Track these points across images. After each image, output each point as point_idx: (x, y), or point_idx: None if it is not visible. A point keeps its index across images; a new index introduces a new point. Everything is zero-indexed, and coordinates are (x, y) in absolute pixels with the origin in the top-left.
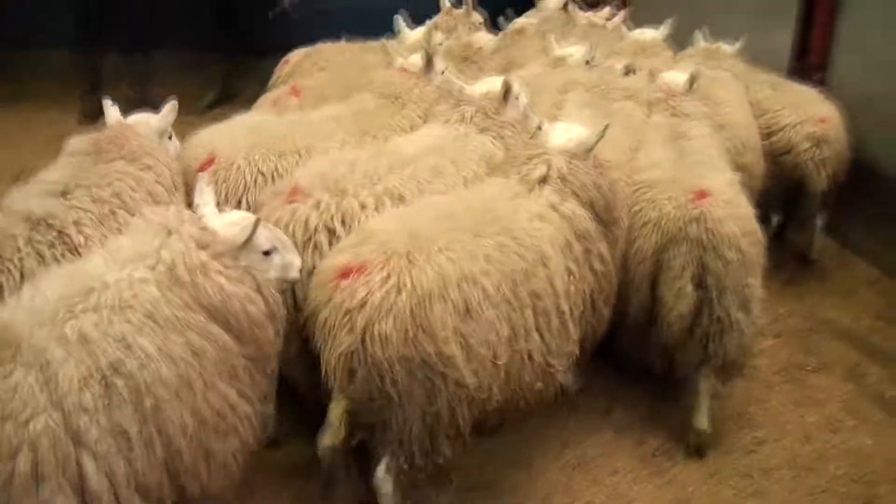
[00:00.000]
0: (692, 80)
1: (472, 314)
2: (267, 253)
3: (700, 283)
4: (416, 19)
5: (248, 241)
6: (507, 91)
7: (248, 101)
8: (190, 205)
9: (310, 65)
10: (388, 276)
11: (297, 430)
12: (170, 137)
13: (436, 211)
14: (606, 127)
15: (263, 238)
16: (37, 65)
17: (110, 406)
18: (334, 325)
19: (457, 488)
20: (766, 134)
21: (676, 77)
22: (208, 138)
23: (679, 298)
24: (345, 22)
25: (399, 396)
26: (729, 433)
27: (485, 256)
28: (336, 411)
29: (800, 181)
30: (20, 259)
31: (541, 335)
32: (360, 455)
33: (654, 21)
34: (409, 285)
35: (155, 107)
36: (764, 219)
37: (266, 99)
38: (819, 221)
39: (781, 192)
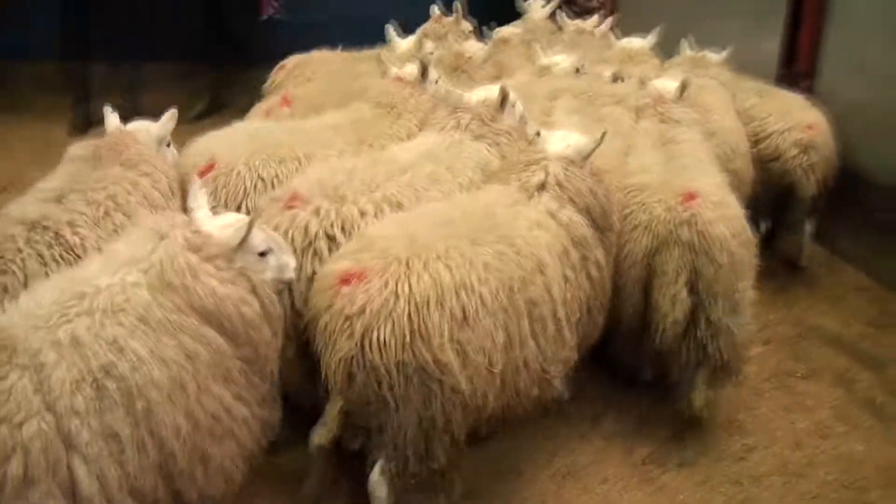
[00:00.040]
0: (683, 87)
1: (468, 322)
2: (262, 254)
3: (693, 289)
4: (406, 27)
5: (243, 242)
6: (503, 99)
7: (237, 112)
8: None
9: (303, 73)
10: (387, 283)
11: (296, 435)
12: (168, 145)
13: (435, 218)
14: (604, 134)
15: (258, 239)
16: (26, 75)
17: (102, 409)
18: (335, 331)
19: (448, 496)
20: (754, 141)
21: (667, 84)
22: (208, 145)
23: (675, 304)
24: (333, 31)
25: (395, 401)
26: (719, 440)
27: (483, 265)
28: (332, 411)
29: (788, 187)
30: (22, 259)
31: (537, 342)
32: (357, 460)
33: (642, 28)
34: (407, 292)
35: (145, 116)
36: (753, 226)
37: (258, 109)
38: (808, 228)
39: (770, 199)
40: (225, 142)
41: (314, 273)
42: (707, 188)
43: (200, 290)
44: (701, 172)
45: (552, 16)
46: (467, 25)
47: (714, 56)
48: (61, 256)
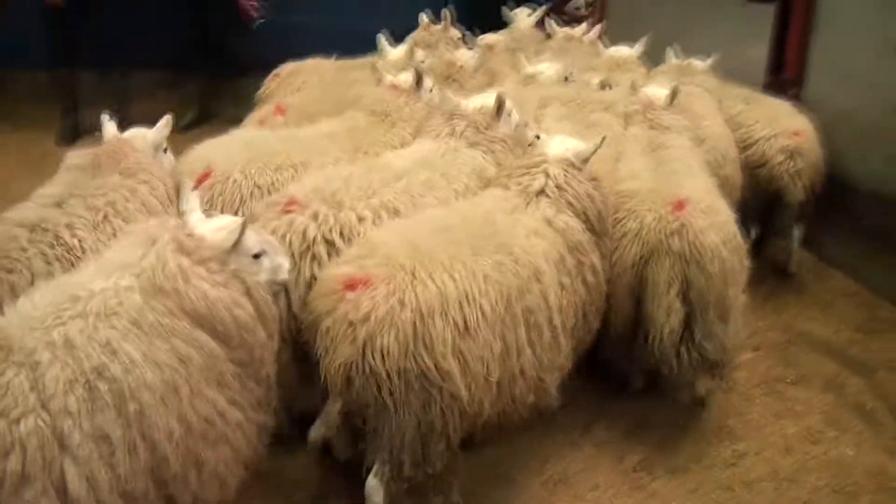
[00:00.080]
0: (673, 94)
1: (470, 332)
2: (257, 256)
3: (685, 297)
4: (395, 35)
5: (237, 244)
6: (499, 106)
7: (226, 120)
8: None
9: (295, 81)
10: (393, 292)
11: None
12: (164, 151)
13: (437, 225)
14: (604, 139)
15: (252, 241)
16: (13, 85)
17: (93, 410)
18: (337, 336)
19: (446, 498)
20: (741, 148)
21: (657, 91)
22: (204, 153)
23: (669, 314)
24: (322, 40)
25: (394, 405)
26: (709, 446)
27: (484, 276)
28: (332, 411)
29: (776, 193)
30: (28, 259)
31: (533, 350)
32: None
33: (631, 36)
34: (414, 302)
35: (134, 125)
36: (743, 231)
37: (252, 118)
38: (797, 233)
39: (758, 205)
40: (221, 150)
41: (313, 277)
42: (696, 195)
43: (192, 293)
44: (690, 177)
45: (541, 24)
46: (456, 33)
47: (699, 63)
48: (63, 257)
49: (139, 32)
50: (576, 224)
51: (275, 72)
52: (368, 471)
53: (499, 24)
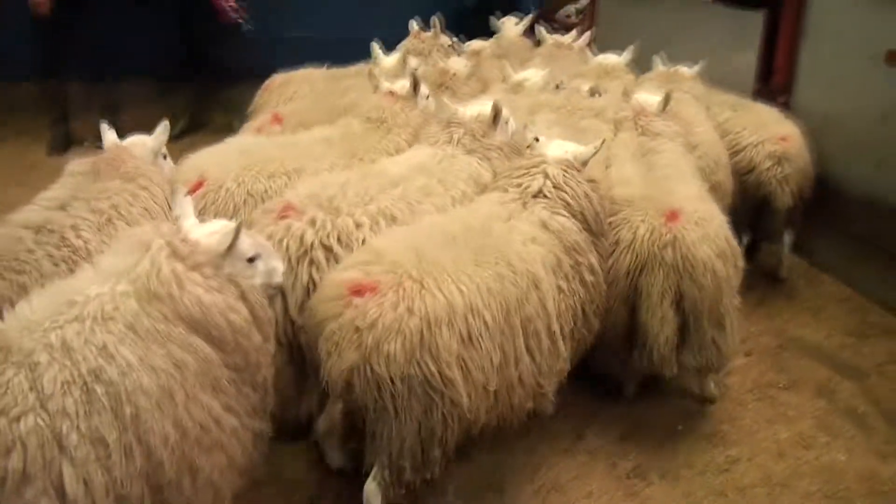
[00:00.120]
0: (666, 100)
1: (473, 343)
2: (251, 260)
3: (678, 307)
4: (384, 44)
5: (231, 247)
6: (496, 115)
7: (217, 130)
8: None
9: (286, 91)
10: (402, 299)
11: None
12: (164, 157)
13: (438, 233)
14: (604, 141)
15: (246, 245)
16: (2, 96)
17: (90, 412)
18: (342, 341)
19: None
20: (730, 154)
21: (649, 98)
22: (199, 161)
23: (663, 325)
24: (310, 49)
25: (396, 409)
26: (702, 452)
27: (487, 289)
28: (334, 409)
29: (764, 199)
30: (36, 260)
31: (532, 358)
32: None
33: (622, 44)
34: (422, 311)
35: (124, 135)
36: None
37: (250, 127)
38: (787, 239)
39: (748, 211)
40: (215, 158)
41: (310, 281)
42: (689, 204)
43: (186, 299)
44: (681, 182)
45: (531, 32)
46: (445, 39)
47: (686, 70)
48: (70, 258)
49: (128, 42)
50: (572, 224)
51: (265, 84)
52: (366, 474)
53: (486, 33)
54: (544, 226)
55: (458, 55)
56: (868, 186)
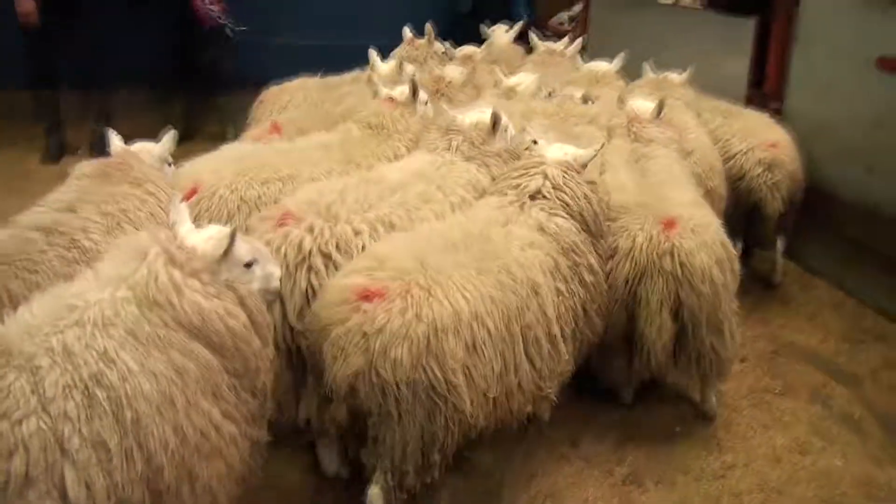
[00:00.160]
0: (660, 107)
1: (477, 350)
2: (248, 265)
3: (677, 315)
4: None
5: (228, 253)
6: (495, 122)
7: (210, 138)
8: None
9: (279, 101)
10: (410, 306)
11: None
12: (170, 164)
13: (440, 240)
14: (603, 145)
15: (243, 250)
16: None
17: (91, 416)
18: (349, 346)
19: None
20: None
21: (643, 104)
22: (194, 169)
23: (661, 332)
24: (303, 57)
25: (399, 414)
26: (697, 458)
27: (490, 297)
28: (334, 411)
29: (755, 205)
30: (49, 261)
31: (532, 363)
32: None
33: (614, 51)
34: (430, 317)
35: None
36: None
37: (247, 137)
38: (780, 245)
39: (739, 218)
40: (209, 165)
41: (309, 288)
42: (686, 211)
43: (186, 306)
44: (676, 188)
45: (524, 39)
46: (439, 46)
47: (676, 77)
48: (80, 260)
49: (121, 51)
50: (570, 225)
51: (260, 97)
52: (367, 480)
53: (478, 39)
54: (541, 228)
55: (450, 60)
56: (860, 192)
